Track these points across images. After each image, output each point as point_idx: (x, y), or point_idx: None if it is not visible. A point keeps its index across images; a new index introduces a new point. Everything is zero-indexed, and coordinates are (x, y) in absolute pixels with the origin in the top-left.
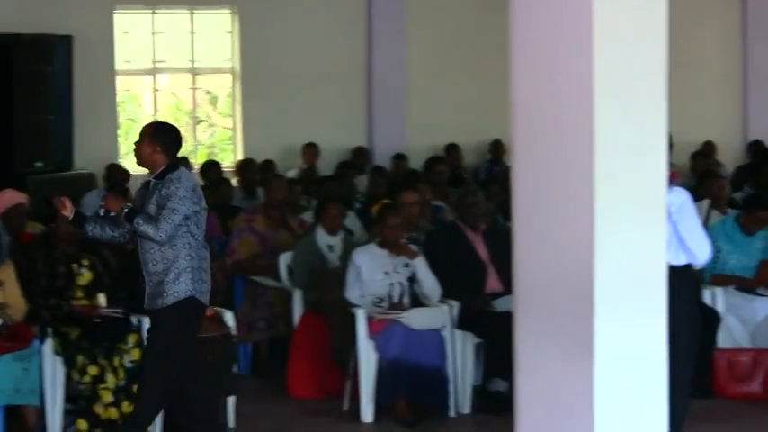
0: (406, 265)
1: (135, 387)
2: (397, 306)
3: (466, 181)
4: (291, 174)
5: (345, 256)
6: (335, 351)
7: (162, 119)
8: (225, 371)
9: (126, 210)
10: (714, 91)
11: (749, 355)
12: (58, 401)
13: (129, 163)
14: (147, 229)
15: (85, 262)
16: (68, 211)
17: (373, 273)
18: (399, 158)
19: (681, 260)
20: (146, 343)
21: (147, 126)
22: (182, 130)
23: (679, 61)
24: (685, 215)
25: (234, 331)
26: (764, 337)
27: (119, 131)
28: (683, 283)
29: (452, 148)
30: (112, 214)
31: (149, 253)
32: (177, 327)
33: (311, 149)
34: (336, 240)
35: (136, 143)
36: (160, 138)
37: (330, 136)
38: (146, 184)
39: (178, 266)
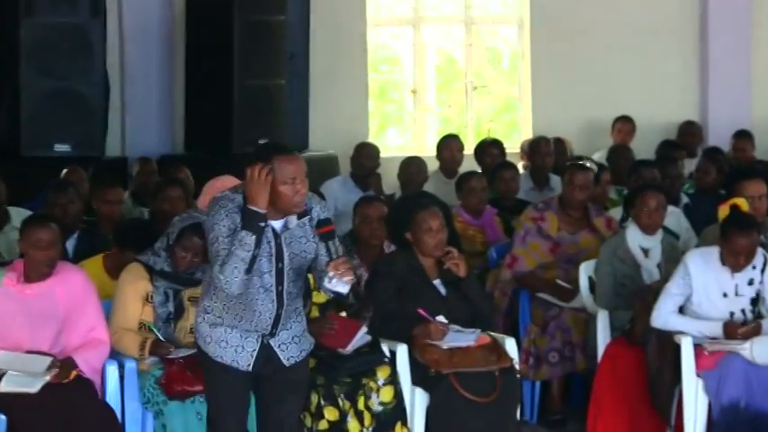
0: (751, 282)
1: None
2: (737, 333)
3: None
4: (597, 156)
5: (665, 264)
6: (653, 392)
7: (425, 84)
8: (506, 417)
9: None
10: None
11: None
12: None
13: (382, 143)
14: None
15: None
16: None
17: (708, 292)
18: (742, 136)
19: None
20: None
21: None
22: (451, 99)
23: None
24: None
25: (518, 365)
26: None
27: (370, 101)
28: None
29: None
30: None
31: None
32: None
33: (625, 125)
34: (654, 242)
35: None
36: None
37: (649, 108)
38: None
39: None
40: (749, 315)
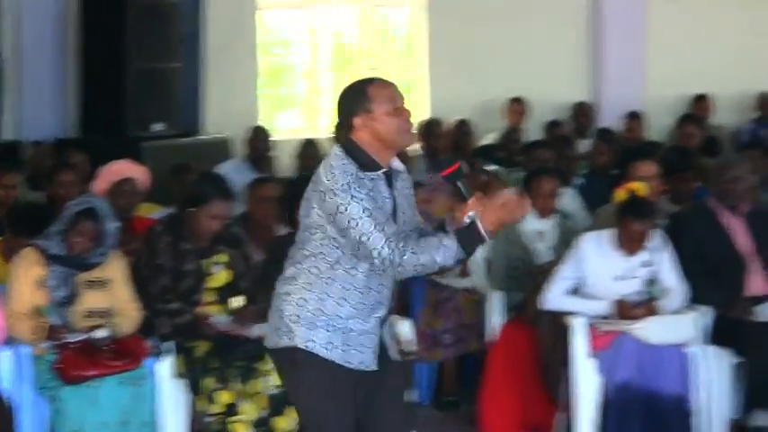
0: (645, 265)
1: (278, 420)
2: (630, 313)
3: (722, 147)
4: (490, 138)
5: (560, 247)
6: (545, 373)
7: (320, 67)
8: (397, 399)
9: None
10: None
11: None
12: None
13: (274, 126)
14: None
15: (222, 258)
16: None
17: (602, 274)
18: (634, 117)
19: None
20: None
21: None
22: (347, 82)
23: None
24: None
25: (411, 347)
26: None
27: (261, 84)
28: None
29: (701, 101)
30: None
31: None
32: None
33: (517, 106)
34: (549, 225)
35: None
36: None
37: (542, 89)
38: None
39: None
40: (643, 296)
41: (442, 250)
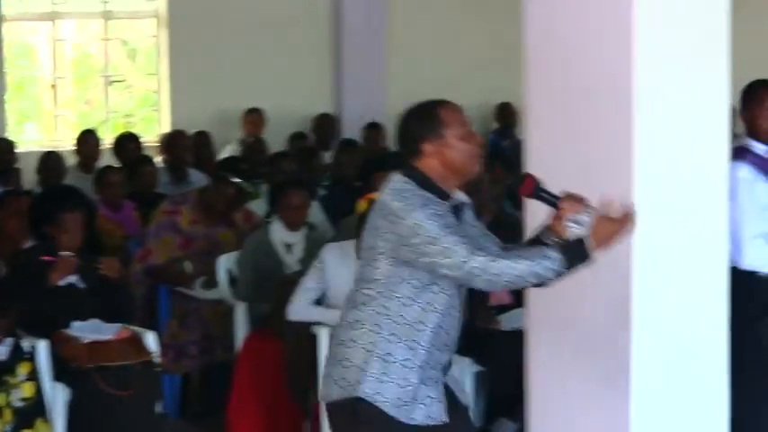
0: None
1: None
2: None
3: None
4: (228, 149)
5: (307, 259)
6: (291, 383)
7: (63, 79)
8: (145, 411)
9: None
10: None
11: None
12: None
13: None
14: None
15: None
16: None
17: (344, 284)
18: (374, 128)
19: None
20: None
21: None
22: (89, 94)
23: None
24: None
25: (158, 358)
26: None
27: (5, 96)
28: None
29: None
30: None
31: None
32: None
33: (255, 116)
34: (297, 238)
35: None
36: None
37: (285, 101)
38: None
39: None
40: None
41: (545, 262)
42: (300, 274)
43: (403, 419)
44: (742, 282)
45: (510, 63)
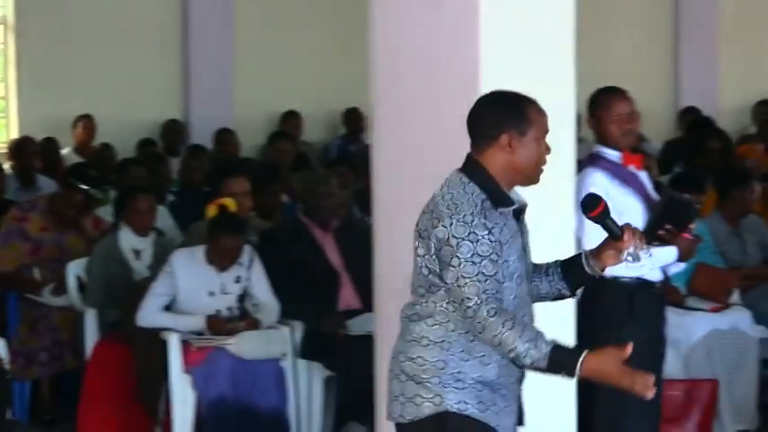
0: (238, 280)
1: None
2: (223, 328)
3: (311, 163)
4: (65, 152)
5: (157, 265)
6: (141, 389)
7: None
8: None
9: None
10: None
11: (681, 388)
12: None
13: None
14: None
15: None
16: None
17: (194, 290)
18: (225, 134)
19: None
20: None
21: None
22: None
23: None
24: None
25: (6, 365)
26: (700, 365)
27: None
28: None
29: (291, 118)
30: None
31: None
32: None
33: (84, 122)
34: (146, 244)
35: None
36: None
37: (133, 107)
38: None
39: None
40: (236, 312)
41: (532, 344)
42: (150, 280)
43: (491, 424)
44: (606, 289)
45: (356, 68)
